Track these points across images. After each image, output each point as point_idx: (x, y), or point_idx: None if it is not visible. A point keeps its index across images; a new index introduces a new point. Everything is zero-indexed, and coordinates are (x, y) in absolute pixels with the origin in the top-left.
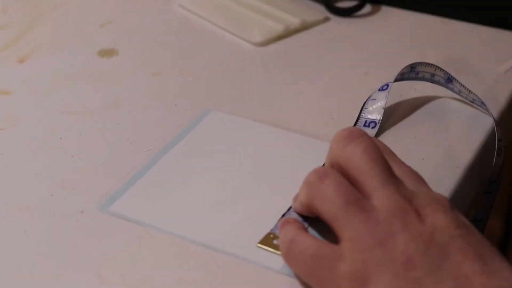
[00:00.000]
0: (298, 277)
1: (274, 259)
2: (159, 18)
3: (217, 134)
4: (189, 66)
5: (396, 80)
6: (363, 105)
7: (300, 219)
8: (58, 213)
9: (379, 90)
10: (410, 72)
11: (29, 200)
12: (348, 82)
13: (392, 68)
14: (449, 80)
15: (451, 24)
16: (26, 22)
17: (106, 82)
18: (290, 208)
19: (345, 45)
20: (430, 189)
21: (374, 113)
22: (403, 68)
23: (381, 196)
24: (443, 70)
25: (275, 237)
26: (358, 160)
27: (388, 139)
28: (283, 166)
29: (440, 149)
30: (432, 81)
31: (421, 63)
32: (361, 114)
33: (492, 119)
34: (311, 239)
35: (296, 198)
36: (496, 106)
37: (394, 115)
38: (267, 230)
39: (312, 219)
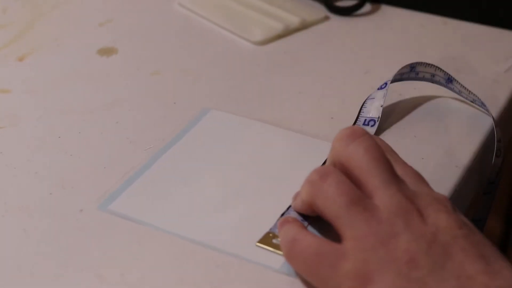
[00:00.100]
0: (297, 276)
1: (274, 258)
2: (158, 17)
3: (216, 133)
4: (188, 65)
5: (395, 80)
6: (363, 104)
7: (299, 218)
8: (58, 212)
9: (378, 89)
10: (410, 72)
11: (29, 199)
12: (347, 81)
13: (392, 67)
14: (449, 81)
15: (451, 23)
16: (26, 21)
17: (106, 81)
18: (289, 207)
19: (345, 44)
20: (431, 189)
21: (373, 111)
22: (402, 68)
23: (383, 196)
24: (443, 70)
25: (275, 236)
26: (360, 159)
27: (388, 138)
28: (282, 165)
29: (440, 149)
30: (432, 81)
31: (421, 63)
32: (361, 113)
33: (492, 120)
34: (313, 238)
35: (296, 197)
36: (496, 106)
37: (394, 114)
38: (267, 229)
39: (312, 218)
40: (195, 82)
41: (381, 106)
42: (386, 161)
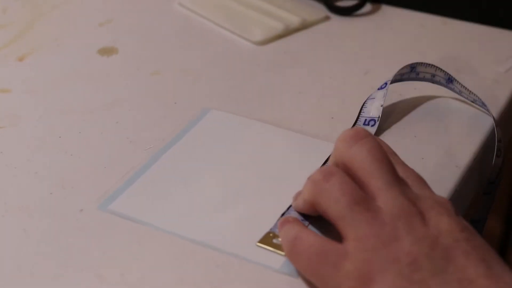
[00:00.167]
0: (297, 276)
1: (274, 258)
2: (158, 16)
3: (216, 133)
4: (188, 65)
5: (396, 80)
6: (363, 104)
7: (300, 218)
8: (58, 212)
9: (378, 89)
10: (411, 73)
11: (29, 199)
12: (348, 81)
13: (392, 67)
14: (449, 81)
15: (451, 23)
16: (26, 21)
17: (106, 81)
18: (289, 207)
19: (345, 44)
20: (432, 192)
21: (373, 111)
22: (402, 68)
23: (386, 197)
24: (443, 70)
25: (275, 236)
26: (363, 160)
27: (388, 138)
28: (282, 165)
29: (440, 149)
30: (433, 82)
31: (421, 64)
32: (361, 113)
33: (492, 120)
34: (315, 237)
35: (297, 196)
36: (496, 105)
37: (394, 114)
38: (267, 229)
39: (312, 218)
40: (195, 82)
41: (381, 106)
42: (389, 163)
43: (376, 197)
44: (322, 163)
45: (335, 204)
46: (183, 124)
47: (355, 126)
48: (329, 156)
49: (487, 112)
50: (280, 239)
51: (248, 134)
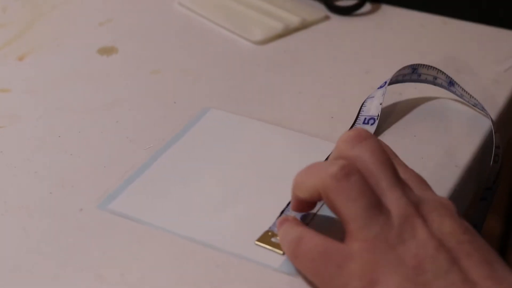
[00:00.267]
0: (296, 275)
1: (273, 257)
2: (158, 16)
3: (216, 132)
4: (188, 65)
5: (398, 81)
6: (363, 103)
7: (298, 216)
8: (57, 212)
9: (378, 88)
10: (412, 74)
11: (28, 199)
12: (348, 81)
13: (392, 67)
14: (451, 84)
15: (451, 23)
16: (26, 20)
17: (106, 81)
18: (288, 205)
19: (345, 43)
20: (434, 193)
21: (373, 110)
22: (403, 68)
23: (390, 200)
24: (445, 73)
25: (274, 235)
26: (366, 161)
27: (387, 138)
28: (282, 164)
29: (440, 149)
30: (435, 84)
31: (422, 65)
32: (361, 111)
33: (491, 125)
34: (318, 237)
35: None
36: (496, 105)
37: (394, 114)
38: (266, 228)
39: (311, 217)
40: (195, 81)
41: (380, 104)
42: (391, 164)
43: (380, 198)
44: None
45: (353, 204)
46: (182, 124)
47: (356, 127)
48: (329, 155)
49: (486, 116)
50: (278, 238)
51: (247, 133)
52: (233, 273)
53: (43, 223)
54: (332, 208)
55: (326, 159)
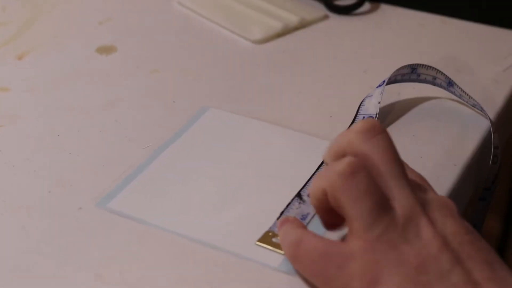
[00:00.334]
0: (296, 274)
1: (272, 257)
2: (158, 15)
3: (215, 132)
4: (187, 64)
5: (397, 81)
6: (361, 102)
7: (299, 216)
8: (56, 210)
9: (377, 87)
10: (411, 74)
11: (27, 197)
12: (347, 80)
13: (391, 67)
14: (450, 84)
15: (450, 22)
16: (25, 19)
17: (105, 80)
18: (288, 205)
19: (344, 43)
20: (436, 192)
21: (371, 108)
22: (402, 68)
23: (396, 199)
24: (444, 74)
25: (274, 235)
26: (379, 158)
27: None
28: (281, 164)
29: (439, 148)
30: (434, 84)
31: (422, 66)
32: (359, 110)
33: (490, 125)
34: (318, 239)
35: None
36: (495, 104)
37: (392, 113)
38: (266, 228)
39: (311, 216)
40: (194, 80)
41: (379, 103)
42: (401, 163)
43: (387, 198)
44: (321, 162)
45: (358, 203)
46: (182, 123)
47: (369, 119)
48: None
49: (485, 117)
50: (279, 238)
51: (246, 133)
52: (232, 273)
53: (43, 222)
54: (337, 207)
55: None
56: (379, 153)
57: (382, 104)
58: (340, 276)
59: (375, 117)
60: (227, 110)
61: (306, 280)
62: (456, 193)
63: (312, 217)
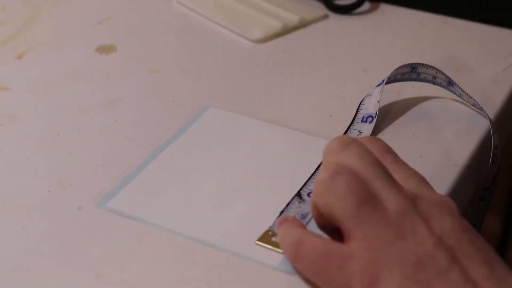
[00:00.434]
0: (296, 274)
1: (272, 256)
2: (157, 15)
3: (215, 131)
4: (187, 63)
5: (397, 80)
6: (361, 102)
7: (298, 216)
8: (56, 210)
9: (376, 86)
10: (411, 73)
11: (27, 197)
12: (346, 80)
13: (391, 66)
14: (450, 84)
15: (450, 22)
16: (25, 18)
17: (105, 79)
18: (288, 205)
19: (344, 42)
20: (434, 190)
21: (371, 107)
22: (401, 67)
23: (386, 197)
24: (444, 73)
25: (274, 234)
26: (354, 165)
27: (386, 137)
28: (281, 163)
29: (438, 147)
30: (434, 83)
31: (422, 65)
32: (359, 110)
33: (489, 125)
34: (318, 238)
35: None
36: (494, 104)
37: (392, 112)
38: (266, 228)
39: (311, 217)
40: (194, 80)
41: (378, 102)
42: (381, 165)
43: (375, 196)
44: (320, 161)
45: (343, 202)
46: (181, 122)
47: (338, 135)
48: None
49: (485, 116)
50: (278, 238)
51: (246, 132)
52: (232, 272)
53: (42, 222)
54: (327, 215)
55: (318, 166)
56: (354, 160)
57: (382, 104)
58: (341, 275)
59: (375, 116)
60: (227, 110)
61: (306, 279)
62: (456, 193)
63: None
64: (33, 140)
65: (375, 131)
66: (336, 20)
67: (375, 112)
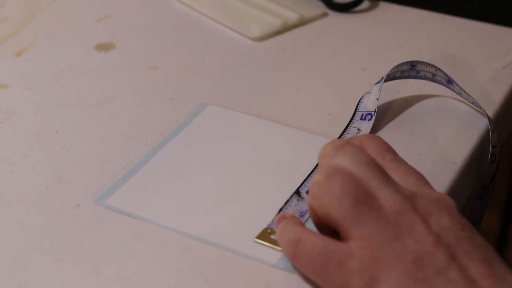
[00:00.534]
0: (294, 271)
1: (270, 254)
2: (156, 12)
3: (214, 129)
4: (186, 61)
5: (396, 77)
6: (360, 99)
7: (297, 213)
8: (54, 207)
9: (375, 84)
10: (411, 71)
11: (25, 194)
12: (345, 78)
13: (390, 64)
14: (449, 82)
15: (449, 20)
16: (24, 16)
17: (103, 76)
18: (286, 202)
19: (343, 40)
20: (432, 189)
21: (370, 105)
22: (401, 64)
23: (382, 197)
24: (443, 71)
25: (272, 232)
26: (349, 166)
27: (385, 134)
28: (280, 161)
29: (438, 145)
30: (433, 81)
31: (421, 63)
32: (358, 108)
33: (488, 123)
34: (317, 237)
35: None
36: (493, 102)
37: (391, 110)
38: (264, 225)
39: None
40: (193, 78)
41: (377, 100)
42: (376, 164)
43: (371, 195)
44: None
45: (339, 203)
46: (180, 120)
47: (333, 139)
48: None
49: (484, 115)
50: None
51: (245, 130)
52: (229, 269)
53: (40, 218)
54: (324, 216)
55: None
56: (350, 160)
57: (382, 102)
58: (340, 274)
59: (374, 114)
60: (226, 107)
61: (304, 277)
62: (454, 191)
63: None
64: (31, 137)
65: (374, 129)
66: (335, 18)
67: (374, 110)
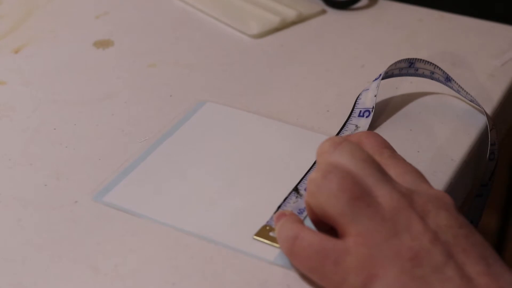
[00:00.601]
0: (292, 268)
1: (268, 251)
2: (155, 9)
3: (212, 126)
4: (185, 58)
5: (395, 75)
6: (358, 96)
7: (296, 211)
8: (52, 204)
9: (373, 80)
10: (409, 68)
11: (23, 190)
12: (344, 75)
13: (388, 61)
14: (447, 79)
15: (448, 17)
16: (22, 12)
17: (102, 73)
18: (285, 200)
19: (342, 37)
20: (430, 186)
21: (368, 102)
22: (399, 62)
23: (379, 194)
24: (442, 69)
25: (271, 229)
26: (348, 163)
27: (384, 131)
28: (278, 158)
29: (436, 142)
30: (432, 78)
31: (420, 60)
32: (356, 104)
33: (487, 121)
34: (314, 235)
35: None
36: (492, 100)
37: (390, 107)
38: (263, 222)
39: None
40: (191, 74)
41: (375, 96)
42: (374, 161)
43: (368, 193)
44: None
45: (336, 200)
46: (178, 117)
47: (328, 137)
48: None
49: (483, 112)
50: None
51: (243, 127)
52: (228, 266)
53: (38, 215)
54: (321, 214)
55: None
56: (348, 157)
57: (380, 99)
58: (337, 271)
59: (372, 111)
60: (225, 104)
61: (302, 274)
62: (452, 188)
63: None
64: (29, 133)
65: (372, 126)
66: (334, 15)
67: (372, 107)
